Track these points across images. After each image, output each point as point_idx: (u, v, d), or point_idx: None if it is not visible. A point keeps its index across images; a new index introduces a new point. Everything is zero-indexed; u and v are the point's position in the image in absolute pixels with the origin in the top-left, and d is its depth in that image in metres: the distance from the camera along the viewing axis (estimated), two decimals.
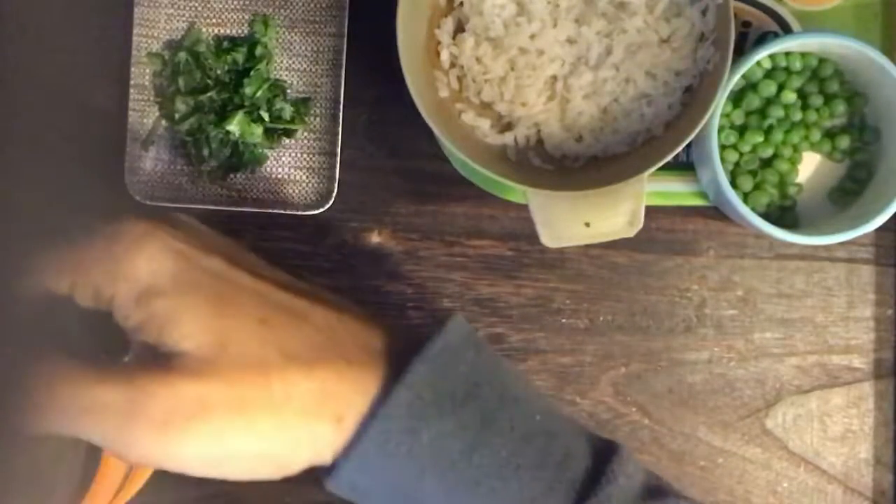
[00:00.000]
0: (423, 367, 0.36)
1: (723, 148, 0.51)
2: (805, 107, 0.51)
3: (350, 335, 0.38)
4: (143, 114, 0.53)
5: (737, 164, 0.51)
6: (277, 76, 0.53)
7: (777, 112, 0.51)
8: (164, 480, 0.51)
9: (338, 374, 0.36)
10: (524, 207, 0.46)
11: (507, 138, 0.50)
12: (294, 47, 0.53)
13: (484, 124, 0.49)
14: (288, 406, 0.35)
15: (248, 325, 0.35)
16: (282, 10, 0.53)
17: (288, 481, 0.53)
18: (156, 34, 0.53)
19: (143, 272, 0.35)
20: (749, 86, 0.51)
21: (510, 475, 0.37)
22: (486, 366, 0.39)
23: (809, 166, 0.53)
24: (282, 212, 0.53)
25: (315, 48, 0.53)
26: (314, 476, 0.46)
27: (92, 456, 0.40)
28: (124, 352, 0.37)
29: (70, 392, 0.33)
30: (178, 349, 0.34)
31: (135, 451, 0.33)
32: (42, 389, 0.32)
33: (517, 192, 0.52)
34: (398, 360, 0.37)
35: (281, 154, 0.53)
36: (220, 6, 0.53)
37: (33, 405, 0.32)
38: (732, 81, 0.49)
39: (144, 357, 0.35)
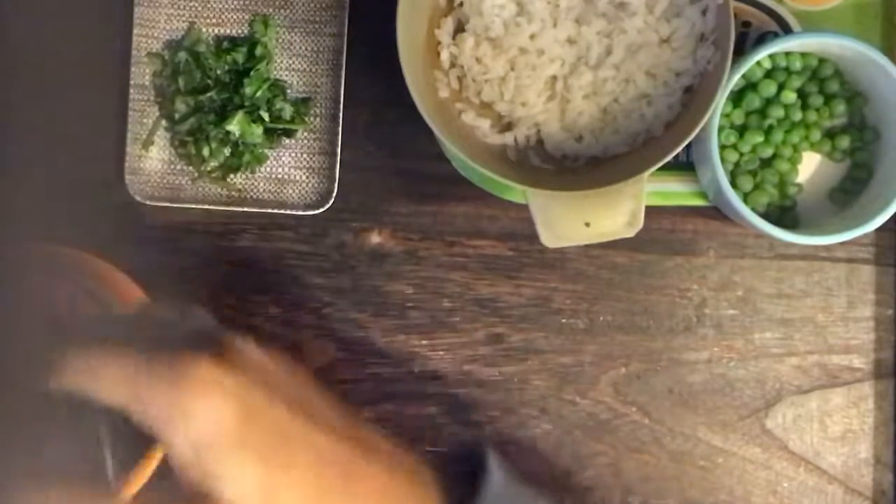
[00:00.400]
0: None
1: (723, 148, 0.51)
2: (805, 107, 0.51)
3: (398, 490, 0.39)
4: (143, 114, 0.53)
5: (737, 164, 0.51)
6: (277, 76, 0.53)
7: (777, 112, 0.51)
8: (165, 481, 0.51)
9: None
10: (524, 207, 0.46)
11: (507, 138, 0.50)
12: (294, 47, 0.53)
13: (484, 124, 0.49)
14: None
15: (302, 481, 0.36)
16: (282, 10, 0.53)
17: None
18: (156, 34, 0.53)
19: (201, 423, 0.34)
20: (749, 86, 0.51)
21: None
22: None
23: (809, 166, 0.53)
24: (282, 212, 0.53)
25: (315, 48, 0.53)
26: None
27: (93, 455, 0.40)
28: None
29: None
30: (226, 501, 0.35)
31: None
32: None
33: (517, 192, 0.52)
34: None
35: (281, 154, 0.53)
36: (220, 6, 0.53)
37: None
38: (732, 81, 0.49)
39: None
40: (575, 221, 0.46)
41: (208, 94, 0.52)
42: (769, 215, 0.51)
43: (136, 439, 0.35)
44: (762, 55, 0.49)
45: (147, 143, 0.53)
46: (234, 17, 0.53)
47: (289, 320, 0.53)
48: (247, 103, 0.52)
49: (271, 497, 0.35)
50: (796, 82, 0.51)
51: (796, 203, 0.52)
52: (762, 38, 0.53)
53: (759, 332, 0.54)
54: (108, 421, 0.36)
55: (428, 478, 0.41)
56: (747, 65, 0.49)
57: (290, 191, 0.53)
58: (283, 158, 0.53)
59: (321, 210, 0.53)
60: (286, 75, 0.53)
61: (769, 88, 0.51)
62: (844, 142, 0.52)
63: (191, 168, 0.53)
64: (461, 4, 0.49)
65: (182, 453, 0.35)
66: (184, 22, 0.53)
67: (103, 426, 0.37)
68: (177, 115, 0.52)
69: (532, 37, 0.48)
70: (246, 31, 0.53)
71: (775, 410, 0.54)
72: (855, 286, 0.54)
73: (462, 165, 0.53)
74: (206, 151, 0.52)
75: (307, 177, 0.53)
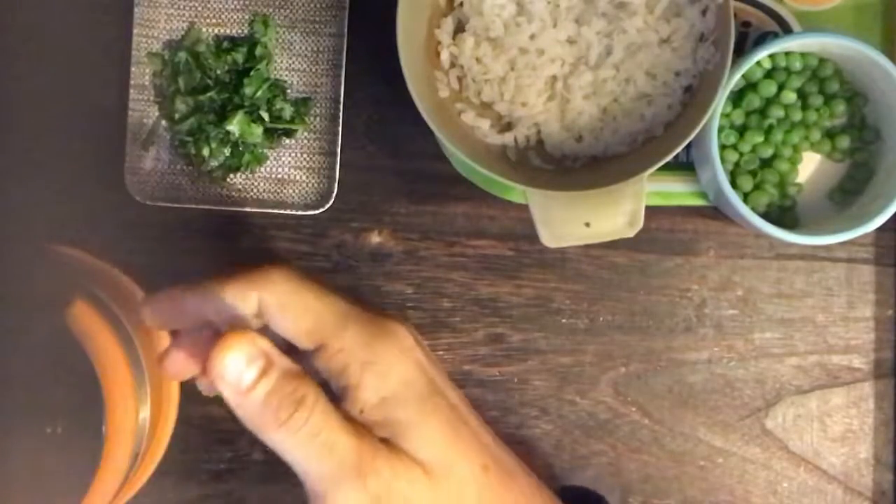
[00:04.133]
0: None
1: (723, 148, 0.51)
2: (805, 107, 0.51)
3: (530, 488, 0.39)
4: (143, 114, 0.53)
5: (737, 164, 0.51)
6: (277, 76, 0.53)
7: (777, 112, 0.51)
8: (165, 481, 0.51)
9: None
10: (524, 207, 0.46)
11: (507, 138, 0.50)
12: (294, 47, 0.53)
13: (484, 124, 0.49)
14: None
15: (472, 465, 0.36)
16: (282, 10, 0.53)
17: (288, 482, 0.53)
18: (156, 34, 0.53)
19: (396, 379, 0.36)
20: (749, 86, 0.51)
21: None
22: None
23: (809, 166, 0.53)
24: (282, 212, 0.53)
25: (315, 48, 0.53)
26: None
27: (93, 455, 0.40)
28: None
29: (316, 422, 0.33)
30: (412, 455, 0.35)
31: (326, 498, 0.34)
32: (302, 408, 0.33)
33: (517, 192, 0.52)
34: None
35: (281, 154, 0.53)
36: (220, 6, 0.53)
37: (285, 416, 0.33)
38: (732, 81, 0.49)
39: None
40: (575, 221, 0.46)
41: (208, 94, 0.52)
42: (769, 215, 0.51)
43: None
44: (762, 55, 0.49)
45: (147, 143, 0.53)
46: (234, 17, 0.53)
47: None
48: (247, 103, 0.52)
49: (452, 465, 0.36)
50: (796, 82, 0.51)
51: (796, 203, 0.52)
52: (762, 38, 0.53)
53: (759, 332, 0.54)
54: None
55: (546, 488, 0.41)
56: (747, 65, 0.49)
57: (290, 191, 0.53)
58: (283, 158, 0.53)
59: (321, 210, 0.53)
60: (286, 75, 0.53)
61: (769, 88, 0.51)
62: (844, 142, 0.52)
63: (191, 168, 0.53)
64: (461, 4, 0.49)
65: (368, 399, 0.35)
66: (184, 22, 0.53)
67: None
68: (177, 115, 0.52)
69: (532, 37, 0.48)
70: (246, 31, 0.53)
71: (775, 410, 0.54)
72: (855, 286, 0.54)
73: (462, 165, 0.53)
74: (206, 151, 0.52)
75: (307, 177, 0.53)
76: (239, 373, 0.33)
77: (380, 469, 0.34)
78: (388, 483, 0.34)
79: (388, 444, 0.35)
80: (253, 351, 0.33)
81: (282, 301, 0.36)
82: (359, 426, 0.35)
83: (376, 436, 0.35)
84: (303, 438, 0.33)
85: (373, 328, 0.37)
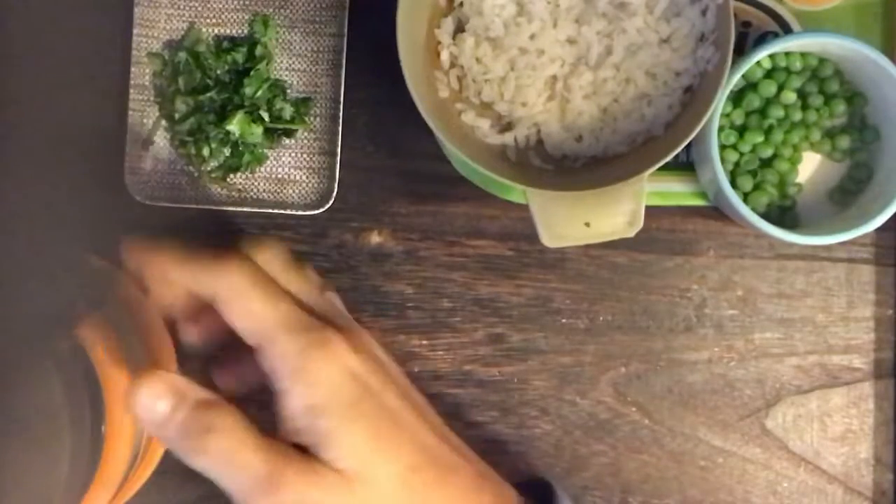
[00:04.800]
0: None
1: (723, 148, 0.51)
2: (805, 107, 0.51)
3: (483, 490, 0.40)
4: (143, 114, 0.53)
5: (737, 164, 0.51)
6: (277, 76, 0.53)
7: (777, 112, 0.51)
8: (166, 481, 0.51)
9: None
10: (524, 207, 0.46)
11: (507, 138, 0.50)
12: (294, 47, 0.53)
13: (484, 124, 0.49)
14: None
15: (398, 468, 0.38)
16: (282, 10, 0.53)
17: None
18: (156, 34, 0.53)
19: (322, 389, 0.37)
20: (749, 86, 0.51)
21: None
22: None
23: (809, 166, 0.53)
24: (282, 212, 0.53)
25: (315, 48, 0.53)
26: None
27: (93, 455, 0.40)
28: None
29: (229, 445, 0.36)
30: (333, 463, 0.37)
31: None
32: (212, 434, 0.36)
33: (517, 192, 0.52)
34: None
35: (281, 154, 0.53)
36: (220, 6, 0.53)
37: (197, 443, 0.36)
38: (732, 81, 0.49)
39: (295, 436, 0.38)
40: (575, 221, 0.46)
41: (208, 94, 0.52)
42: (769, 215, 0.51)
43: None
44: (762, 55, 0.49)
45: (147, 143, 0.53)
46: (234, 17, 0.53)
47: None
48: (247, 103, 0.52)
49: (371, 474, 0.37)
50: (796, 82, 0.51)
51: (796, 203, 0.52)
52: (762, 38, 0.53)
53: (759, 332, 0.54)
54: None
55: (511, 499, 0.42)
56: (747, 65, 0.49)
57: (290, 191, 0.53)
58: (283, 158, 0.53)
59: (321, 210, 0.53)
60: (286, 75, 0.53)
61: (769, 88, 0.51)
62: (844, 142, 0.52)
63: (191, 168, 0.53)
64: (461, 4, 0.49)
65: (295, 406, 0.37)
66: (184, 22, 0.53)
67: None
68: (177, 115, 0.52)
69: (532, 37, 0.48)
70: (246, 31, 0.53)
71: (775, 410, 0.54)
72: (855, 286, 0.54)
73: (462, 165, 0.53)
74: (206, 151, 0.52)
75: (307, 177, 0.53)
76: (152, 408, 0.36)
77: (293, 481, 0.35)
78: (302, 493, 0.35)
79: (308, 453, 0.37)
80: (163, 388, 0.36)
81: (229, 298, 0.38)
82: (275, 441, 0.37)
83: (305, 441, 0.37)
84: (218, 461, 0.36)
85: (309, 336, 0.38)
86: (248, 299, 0.38)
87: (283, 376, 0.37)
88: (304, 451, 0.37)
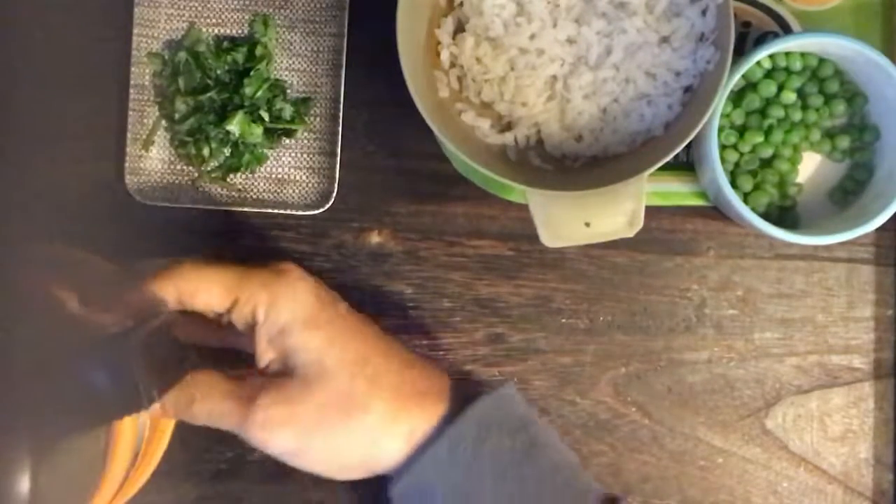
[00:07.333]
0: (489, 400, 0.46)
1: (723, 148, 0.51)
2: (805, 107, 0.51)
3: (423, 376, 0.47)
4: (143, 114, 0.53)
5: (737, 164, 0.51)
6: (277, 76, 0.53)
7: (777, 112, 0.51)
8: (166, 481, 0.51)
9: (412, 401, 0.45)
10: (524, 207, 0.46)
11: (507, 138, 0.50)
12: (294, 47, 0.54)
13: (484, 124, 0.49)
14: (363, 422, 0.44)
15: (349, 357, 0.45)
16: (282, 10, 0.53)
17: (288, 482, 0.53)
18: (156, 34, 0.53)
19: (288, 309, 0.45)
20: (749, 86, 0.51)
21: (547, 489, 0.45)
22: (532, 415, 0.48)
23: (809, 166, 0.53)
24: (282, 212, 0.53)
25: (315, 48, 0.53)
26: (316, 477, 0.46)
27: (93, 455, 0.40)
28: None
29: (209, 406, 0.45)
30: (299, 372, 0.45)
31: (251, 438, 0.45)
32: (195, 403, 0.45)
33: (517, 192, 0.52)
34: (462, 398, 0.46)
35: (281, 154, 0.53)
36: (220, 6, 0.53)
37: (188, 413, 0.45)
38: (732, 81, 0.49)
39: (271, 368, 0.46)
40: (575, 221, 0.46)
41: (208, 94, 0.52)
42: (769, 215, 0.51)
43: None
44: (762, 55, 0.49)
45: (147, 143, 0.53)
46: (234, 17, 0.53)
47: None
48: (247, 103, 0.52)
49: (323, 368, 0.44)
50: (796, 82, 0.51)
51: (796, 203, 0.52)
52: (762, 38, 0.53)
53: (759, 332, 0.54)
54: None
55: (445, 383, 0.48)
56: (747, 65, 0.49)
57: (290, 191, 0.53)
58: (283, 158, 0.53)
59: (321, 210, 0.53)
60: (286, 75, 0.53)
61: (769, 88, 0.51)
62: (844, 142, 0.52)
63: (191, 168, 0.53)
64: (461, 4, 0.49)
65: (270, 332, 0.45)
66: (184, 22, 0.53)
67: None
68: (177, 115, 0.52)
69: (532, 37, 0.48)
70: (246, 31, 0.53)
71: (775, 410, 0.54)
72: (855, 286, 0.54)
73: (462, 165, 0.53)
74: (206, 151, 0.52)
75: (307, 177, 0.53)
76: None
77: (260, 404, 0.44)
78: (268, 409, 0.44)
79: (280, 373, 0.45)
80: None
81: (190, 286, 0.45)
82: (244, 382, 0.45)
83: (280, 367, 0.45)
84: (208, 419, 0.45)
85: (269, 273, 0.46)
86: (206, 273, 0.45)
87: (258, 311, 0.45)
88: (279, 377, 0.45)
